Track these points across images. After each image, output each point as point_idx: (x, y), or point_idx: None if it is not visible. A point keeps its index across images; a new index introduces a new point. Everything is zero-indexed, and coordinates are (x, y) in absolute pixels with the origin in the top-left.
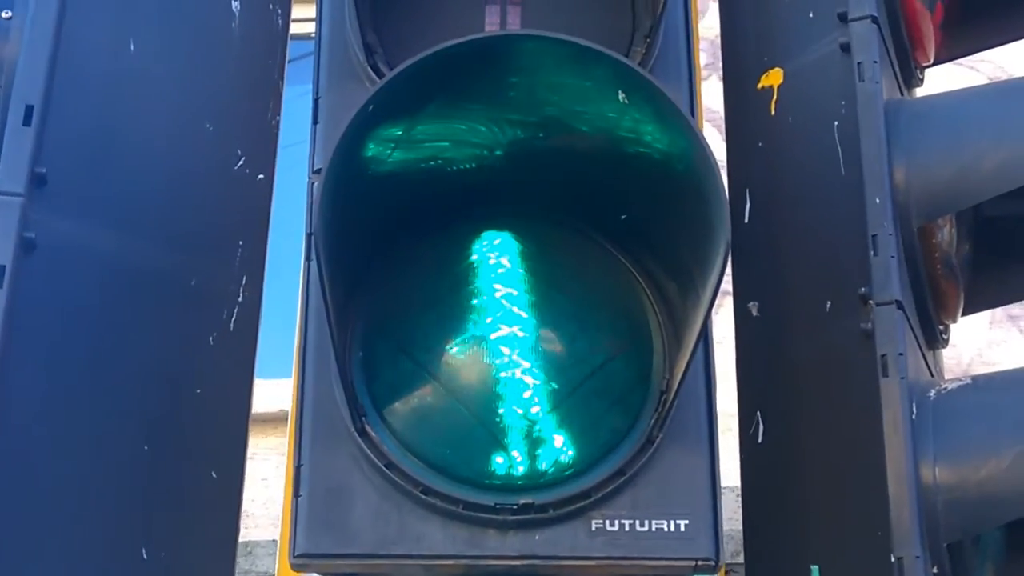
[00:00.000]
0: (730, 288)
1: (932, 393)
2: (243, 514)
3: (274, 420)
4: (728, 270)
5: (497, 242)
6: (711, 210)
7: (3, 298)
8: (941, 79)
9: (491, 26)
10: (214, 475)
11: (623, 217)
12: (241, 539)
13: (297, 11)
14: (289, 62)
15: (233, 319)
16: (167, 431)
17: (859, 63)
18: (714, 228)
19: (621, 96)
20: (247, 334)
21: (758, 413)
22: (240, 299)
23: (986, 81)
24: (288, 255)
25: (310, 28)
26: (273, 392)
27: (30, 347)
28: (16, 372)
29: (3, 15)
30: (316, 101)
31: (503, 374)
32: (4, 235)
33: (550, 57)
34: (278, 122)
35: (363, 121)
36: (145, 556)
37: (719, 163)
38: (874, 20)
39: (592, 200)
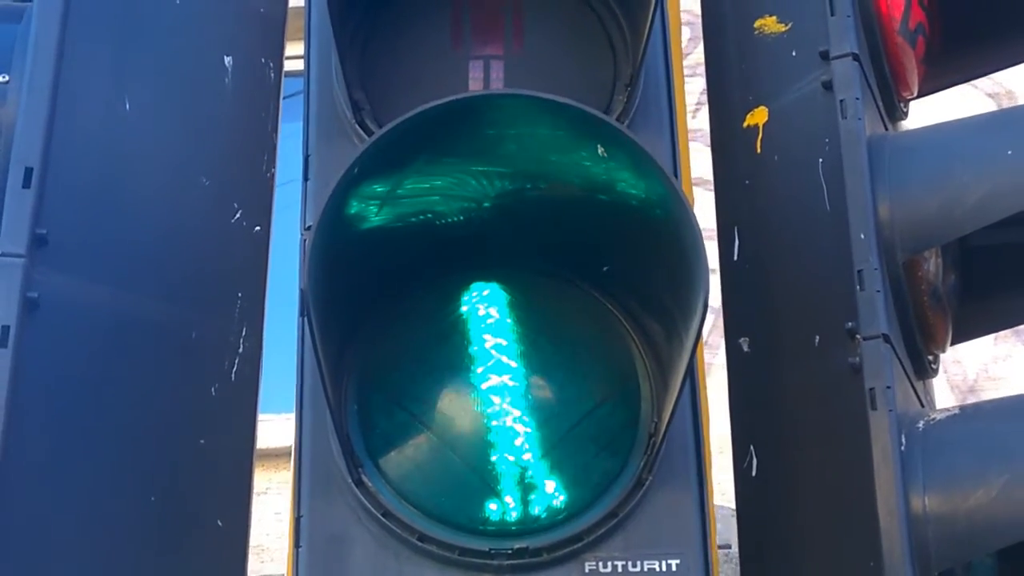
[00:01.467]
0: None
1: (921, 424)
2: (258, 548)
3: (287, 455)
4: (719, 305)
5: (486, 293)
6: (690, 261)
7: (8, 356)
8: (940, 98)
9: (475, 81)
10: (219, 524)
11: (605, 269)
12: (257, 573)
13: (290, 48)
14: (285, 98)
15: (234, 369)
16: (172, 482)
17: (841, 100)
18: (694, 278)
19: (600, 149)
20: (248, 384)
21: (751, 447)
22: (240, 349)
23: (984, 97)
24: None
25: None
26: (286, 427)
27: (35, 403)
28: (22, 428)
29: (0, 79)
30: (307, 158)
31: (494, 422)
32: (7, 296)
33: (527, 112)
34: (273, 174)
35: (348, 183)
36: None
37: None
38: (855, 58)
39: (577, 248)
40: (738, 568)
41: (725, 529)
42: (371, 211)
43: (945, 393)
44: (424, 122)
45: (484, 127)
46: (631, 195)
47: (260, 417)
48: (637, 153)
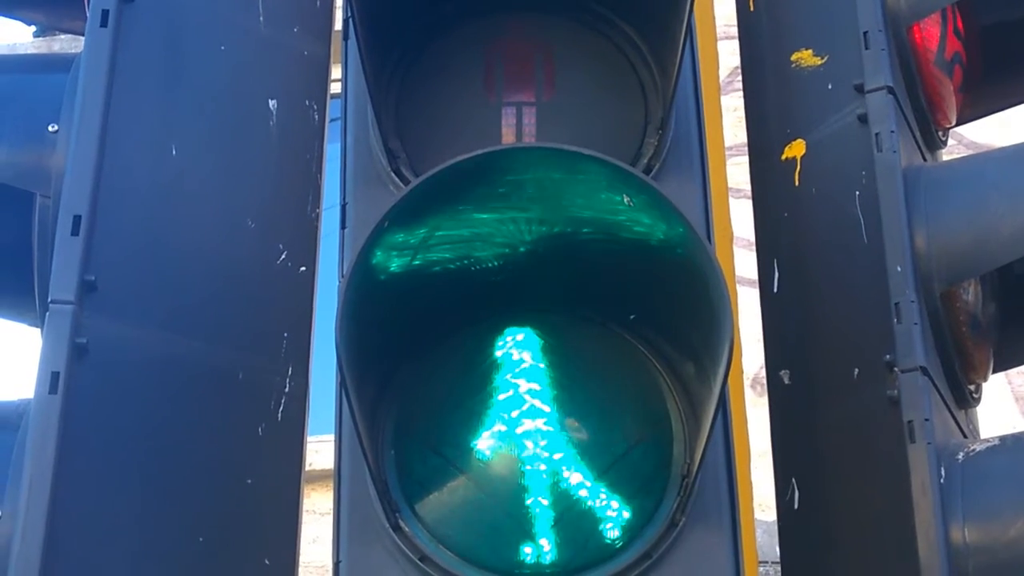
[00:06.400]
0: None
1: (960, 456)
2: (323, 569)
3: None
4: (761, 336)
5: (520, 338)
6: (713, 301)
7: (58, 402)
8: None
9: (507, 127)
10: (267, 562)
11: (632, 317)
12: None
13: (335, 71)
14: (331, 121)
15: (280, 409)
16: (220, 522)
17: (876, 133)
18: (718, 319)
19: (626, 199)
20: (295, 423)
21: (793, 479)
22: (287, 390)
23: None
24: None
25: None
26: None
27: (85, 448)
28: (71, 472)
29: (50, 129)
30: (344, 206)
31: (528, 467)
32: (57, 342)
33: (551, 162)
34: (318, 215)
35: (378, 236)
36: None
37: None
38: (890, 91)
39: (607, 291)
40: None
41: None
42: (403, 261)
43: (1010, 404)
44: (452, 175)
45: (510, 176)
46: (653, 236)
47: (322, 438)
48: (655, 196)
